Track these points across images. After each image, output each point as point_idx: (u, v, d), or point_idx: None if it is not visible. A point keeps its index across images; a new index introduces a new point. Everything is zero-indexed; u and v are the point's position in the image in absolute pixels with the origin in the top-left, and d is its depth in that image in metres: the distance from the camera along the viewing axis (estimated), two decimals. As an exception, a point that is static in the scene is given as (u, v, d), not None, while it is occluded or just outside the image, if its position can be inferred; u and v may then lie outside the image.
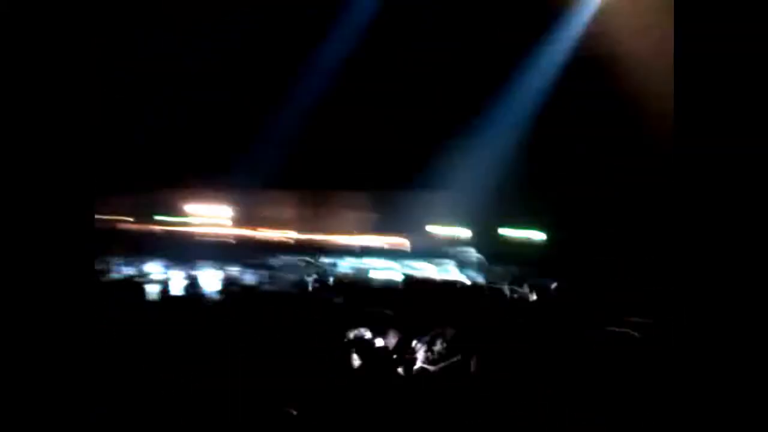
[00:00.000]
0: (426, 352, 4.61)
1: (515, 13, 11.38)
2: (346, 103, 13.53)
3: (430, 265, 11.05)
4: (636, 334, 4.57)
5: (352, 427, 3.90)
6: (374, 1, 12.35)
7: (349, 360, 4.40)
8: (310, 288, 8.95)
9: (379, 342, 4.60)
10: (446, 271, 10.28)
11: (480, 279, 9.76)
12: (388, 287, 8.92)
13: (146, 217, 16.61)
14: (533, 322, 5.56)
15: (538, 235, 12.50)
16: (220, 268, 10.56)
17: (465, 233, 13.73)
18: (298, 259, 12.10)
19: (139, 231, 16.15)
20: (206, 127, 14.00)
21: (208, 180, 16.89)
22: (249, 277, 9.83)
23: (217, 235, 16.10)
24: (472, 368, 4.30)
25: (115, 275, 9.58)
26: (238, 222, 17.01)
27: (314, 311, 5.96)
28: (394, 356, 4.49)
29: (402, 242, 14.58)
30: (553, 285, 7.52)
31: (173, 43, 12.02)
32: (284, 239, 15.78)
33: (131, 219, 16.25)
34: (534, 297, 7.46)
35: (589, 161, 10.92)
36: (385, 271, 10.80)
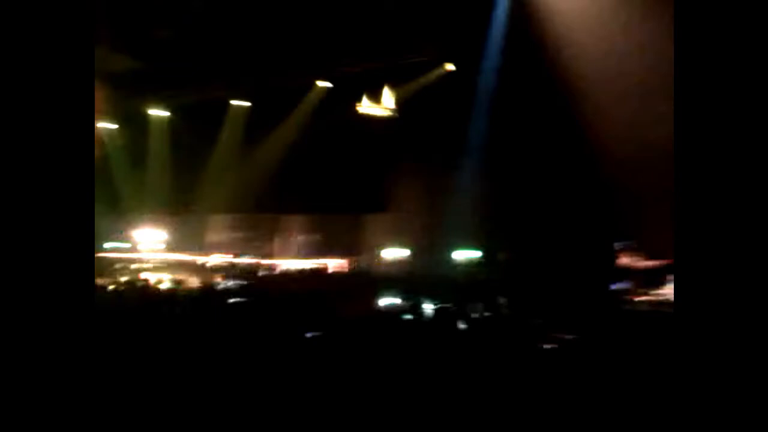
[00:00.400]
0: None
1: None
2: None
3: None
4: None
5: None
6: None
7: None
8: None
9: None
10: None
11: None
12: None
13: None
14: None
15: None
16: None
17: (408, 254, 13.88)
18: None
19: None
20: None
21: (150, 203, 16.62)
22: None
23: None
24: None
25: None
26: (178, 247, 16.71)
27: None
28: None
29: (342, 264, 14.64)
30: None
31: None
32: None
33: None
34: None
35: (532, 180, 11.32)
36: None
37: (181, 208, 16.91)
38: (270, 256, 15.89)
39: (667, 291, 8.03)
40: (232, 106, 16.15)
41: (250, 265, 15.22)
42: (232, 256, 16.04)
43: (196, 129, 16.26)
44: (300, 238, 16.16)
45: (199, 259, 16.02)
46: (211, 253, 16.35)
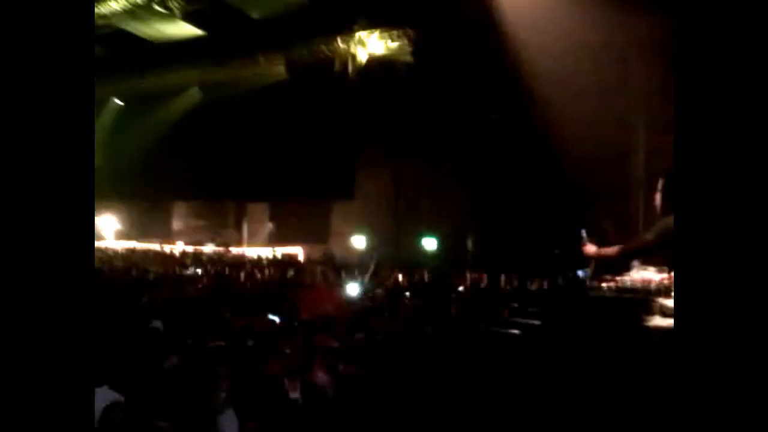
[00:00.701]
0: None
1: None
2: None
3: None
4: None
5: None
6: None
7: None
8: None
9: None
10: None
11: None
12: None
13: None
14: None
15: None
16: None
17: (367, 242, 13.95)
18: None
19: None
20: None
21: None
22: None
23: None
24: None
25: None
26: (128, 236, 16.42)
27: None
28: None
29: (295, 252, 14.62)
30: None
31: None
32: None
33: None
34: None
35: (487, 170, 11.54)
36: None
37: (142, 195, 16.64)
38: (236, 243, 15.78)
39: (628, 277, 8.35)
40: (187, 92, 16.00)
41: (216, 252, 15.11)
42: (196, 243, 15.89)
43: (151, 117, 16.04)
44: (268, 225, 16.09)
45: (163, 247, 15.82)
46: (175, 240, 16.18)
